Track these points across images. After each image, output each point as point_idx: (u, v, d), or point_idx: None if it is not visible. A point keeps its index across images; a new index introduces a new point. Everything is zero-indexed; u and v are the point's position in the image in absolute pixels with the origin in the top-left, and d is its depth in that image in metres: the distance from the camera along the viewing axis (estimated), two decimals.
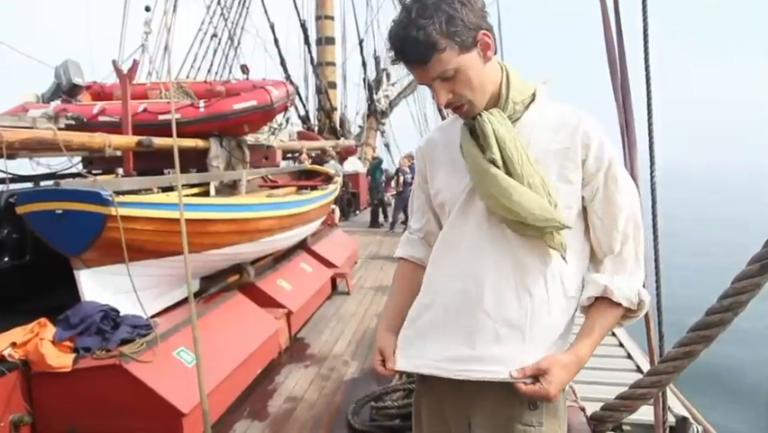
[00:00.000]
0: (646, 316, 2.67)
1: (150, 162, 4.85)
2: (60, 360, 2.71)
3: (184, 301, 3.83)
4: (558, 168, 1.22)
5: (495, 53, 1.24)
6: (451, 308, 1.27)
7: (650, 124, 2.31)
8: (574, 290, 1.28)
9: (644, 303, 1.25)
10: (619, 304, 1.23)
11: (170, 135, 2.55)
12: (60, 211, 3.01)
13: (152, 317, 3.39)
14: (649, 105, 2.31)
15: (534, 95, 1.28)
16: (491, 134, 1.19)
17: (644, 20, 2.14)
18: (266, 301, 4.66)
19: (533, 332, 1.22)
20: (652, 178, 2.31)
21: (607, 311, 1.24)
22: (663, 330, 2.69)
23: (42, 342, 2.73)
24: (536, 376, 1.18)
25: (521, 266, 1.23)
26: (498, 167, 1.18)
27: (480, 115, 1.23)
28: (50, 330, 2.83)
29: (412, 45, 1.13)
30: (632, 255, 1.27)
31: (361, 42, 16.00)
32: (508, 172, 1.18)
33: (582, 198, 1.25)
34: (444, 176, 1.36)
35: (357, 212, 14.87)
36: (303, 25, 12.18)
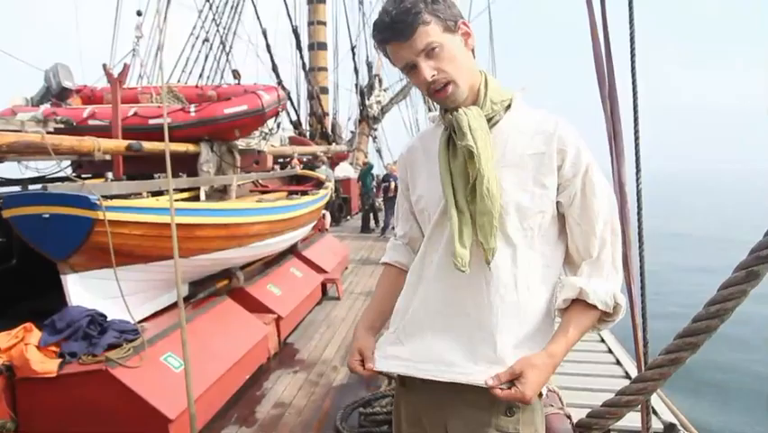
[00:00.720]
0: (633, 322, 2.67)
1: (140, 167, 4.80)
2: (45, 365, 2.67)
3: (172, 306, 3.80)
4: (534, 172, 1.23)
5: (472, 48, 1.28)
6: (428, 312, 1.29)
7: (636, 132, 2.32)
8: (547, 293, 1.28)
9: (620, 306, 1.23)
10: (595, 306, 1.22)
11: (160, 140, 2.53)
12: (47, 215, 2.98)
13: (140, 322, 3.36)
14: (635, 113, 2.33)
15: (510, 101, 1.29)
16: (466, 125, 1.21)
17: (631, 29, 2.15)
18: (255, 306, 4.64)
19: (506, 336, 1.22)
20: (638, 185, 2.32)
21: (582, 313, 1.23)
22: (649, 337, 2.71)
23: (27, 347, 2.70)
24: (511, 380, 1.17)
25: (493, 272, 1.23)
26: (472, 153, 1.19)
27: (457, 109, 1.25)
28: (35, 335, 2.80)
29: (400, 17, 1.17)
30: (609, 260, 1.26)
31: (353, 48, 16.05)
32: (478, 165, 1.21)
33: (560, 203, 1.25)
34: (425, 181, 1.37)
35: (348, 217, 14.86)
36: (295, 31, 12.18)
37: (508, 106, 1.29)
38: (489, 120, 1.25)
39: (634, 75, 2.27)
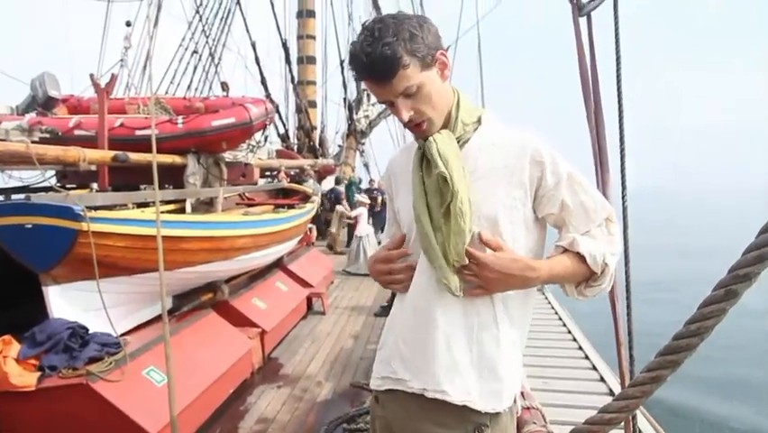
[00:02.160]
0: (617, 339, 2.68)
1: (125, 178, 4.76)
2: (23, 379, 2.63)
3: (155, 320, 3.76)
4: (503, 184, 1.25)
5: (448, 78, 1.30)
6: (407, 331, 1.32)
7: (622, 150, 2.35)
8: (524, 307, 1.31)
9: (608, 268, 1.24)
10: (584, 260, 1.23)
11: (147, 151, 2.52)
12: (30, 225, 2.94)
13: (122, 335, 3.32)
14: (621, 129, 2.35)
15: (480, 118, 1.32)
16: (436, 153, 1.23)
17: (617, 45, 2.19)
18: (240, 320, 4.61)
19: (482, 348, 1.24)
20: (623, 202, 2.35)
21: (570, 259, 1.25)
22: (634, 354, 2.72)
23: (6, 360, 2.66)
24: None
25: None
26: (446, 179, 1.21)
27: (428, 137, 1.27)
28: (14, 348, 2.75)
29: (379, 61, 1.16)
30: (605, 232, 1.28)
31: (342, 63, 16.08)
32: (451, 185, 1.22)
33: (550, 215, 1.27)
34: (403, 196, 1.39)
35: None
36: (284, 44, 12.22)
37: (479, 123, 1.31)
38: (459, 140, 1.28)
39: (619, 92, 2.30)
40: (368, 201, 10.72)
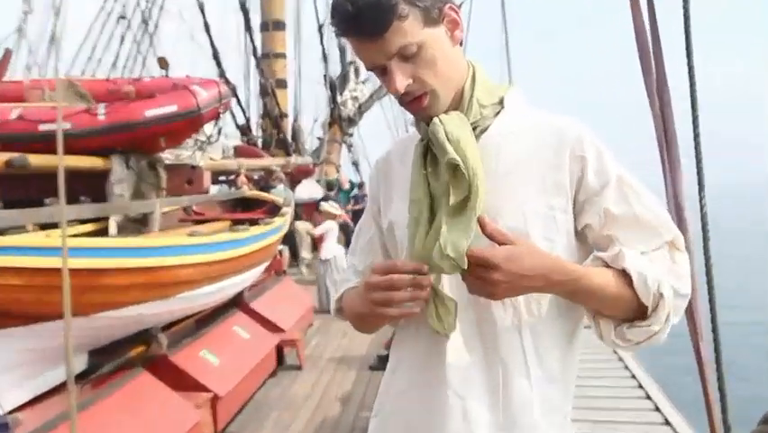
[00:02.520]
0: (703, 382, 2.52)
1: (25, 190, 4.79)
2: None
3: (62, 386, 3.64)
4: (536, 188, 1.25)
5: (461, 44, 1.33)
6: (412, 388, 1.33)
7: (696, 135, 2.27)
8: (565, 355, 1.29)
9: (664, 303, 1.16)
10: (630, 282, 1.17)
11: (54, 151, 2.46)
12: None
13: (12, 412, 3.22)
14: (694, 110, 2.28)
15: (502, 100, 1.32)
16: (443, 136, 1.21)
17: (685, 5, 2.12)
18: (183, 382, 4.57)
19: (507, 399, 1.24)
20: (702, 204, 2.25)
21: (614, 274, 1.19)
22: (731, 417, 2.57)
23: None
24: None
25: (489, 323, 1.25)
26: (460, 168, 1.19)
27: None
28: None
29: (368, 9, 1.16)
30: (667, 257, 1.23)
31: (320, 28, 16.14)
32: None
33: (588, 227, 1.26)
34: (398, 204, 1.39)
35: (314, 254, 14.76)
36: (243, 6, 12.25)
37: (501, 106, 1.32)
38: (474, 127, 1.27)
39: (690, 59, 2.23)
40: (338, 212, 10.48)
